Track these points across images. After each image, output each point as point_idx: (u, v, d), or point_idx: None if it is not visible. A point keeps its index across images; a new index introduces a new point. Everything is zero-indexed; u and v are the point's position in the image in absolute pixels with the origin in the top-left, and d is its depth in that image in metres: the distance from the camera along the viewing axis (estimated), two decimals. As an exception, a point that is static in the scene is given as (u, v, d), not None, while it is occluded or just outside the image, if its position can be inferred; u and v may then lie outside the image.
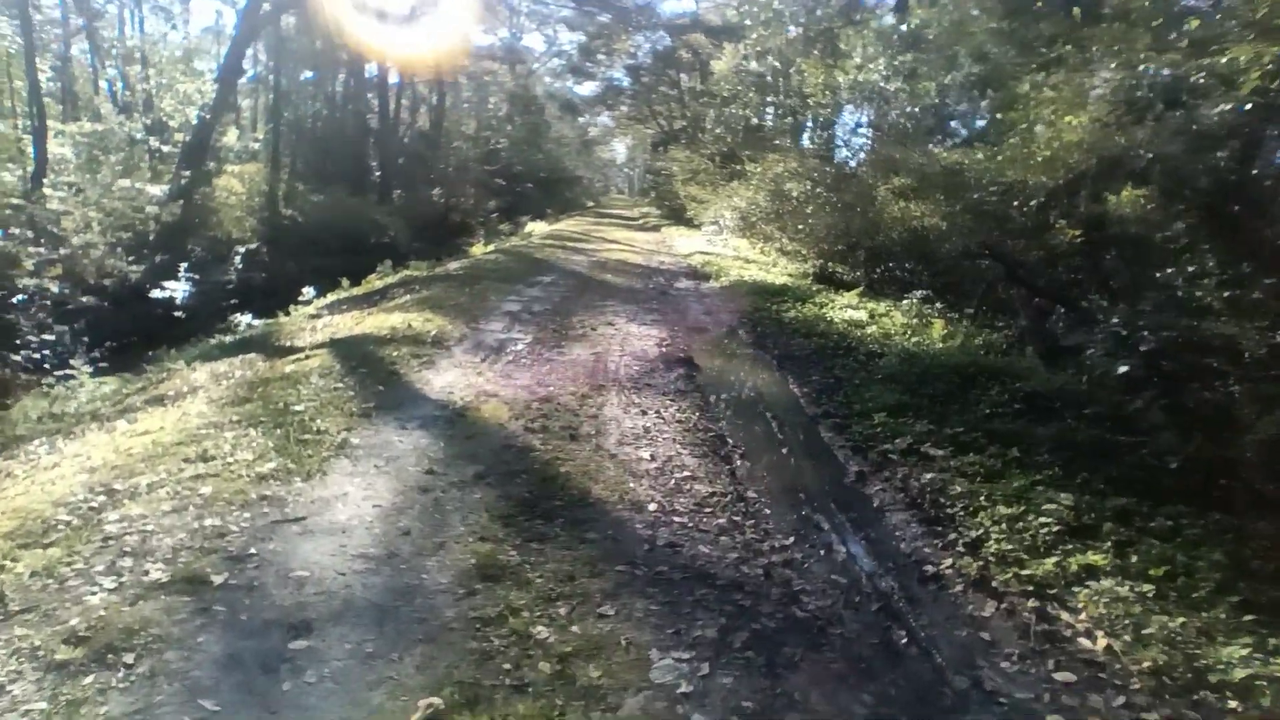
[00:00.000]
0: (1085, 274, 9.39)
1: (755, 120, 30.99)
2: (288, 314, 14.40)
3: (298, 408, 6.39)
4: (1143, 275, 8.78)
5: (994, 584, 4.12)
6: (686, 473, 5.56)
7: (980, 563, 4.32)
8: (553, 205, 47.50)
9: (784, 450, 6.29)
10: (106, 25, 37.32)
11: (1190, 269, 7.59)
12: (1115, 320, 6.05)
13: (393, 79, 43.01)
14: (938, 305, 11.73)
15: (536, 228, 34.51)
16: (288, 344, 9.81)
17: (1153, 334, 5.55)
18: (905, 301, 12.12)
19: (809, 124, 30.48)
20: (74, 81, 34.35)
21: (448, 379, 7.58)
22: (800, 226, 18.66)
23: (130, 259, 19.20)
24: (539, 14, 52.41)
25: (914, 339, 9.95)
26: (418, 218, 38.18)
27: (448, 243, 34.95)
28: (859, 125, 22.62)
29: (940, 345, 9.59)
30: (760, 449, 6.31)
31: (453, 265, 17.76)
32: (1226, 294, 6.80)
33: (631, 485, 5.25)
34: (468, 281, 14.15)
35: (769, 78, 30.18)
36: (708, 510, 4.96)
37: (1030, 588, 4.03)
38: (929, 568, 4.38)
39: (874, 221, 14.36)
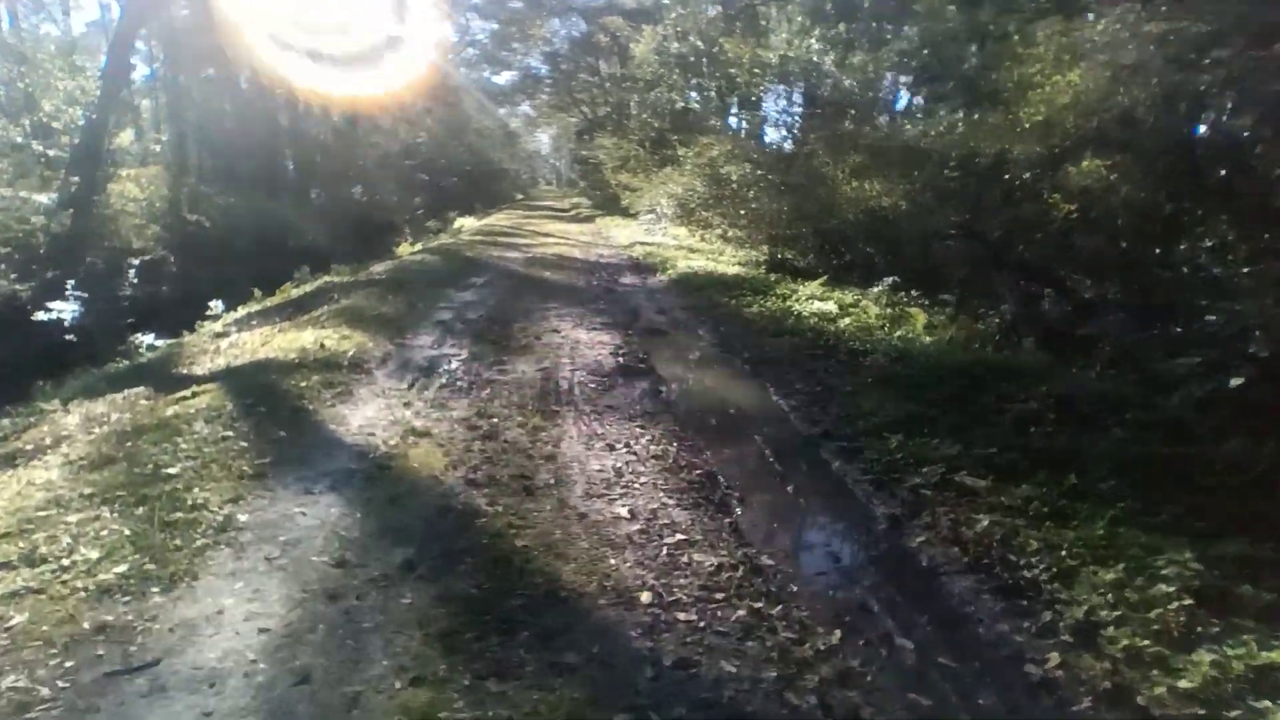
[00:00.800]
0: (1075, 252, 8.36)
1: (682, 104, 29.74)
2: (194, 331, 12.78)
3: (172, 470, 4.92)
4: (1145, 251, 7.79)
5: (1140, 700, 2.93)
6: (679, 534, 4.28)
7: (1105, 663, 3.13)
8: (480, 199, 45.74)
9: (789, 489, 5.05)
10: (-12, 26, 34.29)
11: (1209, 243, 6.57)
12: (1214, 319, 4.91)
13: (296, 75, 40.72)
14: (911, 293, 10.67)
15: (465, 223, 32.85)
16: (184, 371, 8.24)
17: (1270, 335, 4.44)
18: (874, 289, 11.05)
19: (735, 106, 29.45)
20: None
21: (367, 414, 6.17)
22: (742, 212, 17.53)
23: (13, 276, 17.12)
24: (449, 1, 50.26)
25: (896, 333, 8.83)
26: (339, 219, 36.15)
27: (374, 243, 33.07)
28: (791, 103, 21.44)
29: (928, 339, 8.51)
30: (760, 489, 5.06)
31: (377, 268, 16.14)
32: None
33: (613, 561, 3.95)
34: (393, 287, 12.64)
35: (692, 58, 28.92)
36: (719, 596, 3.68)
37: (1199, 712, 2.85)
38: (1032, 669, 3.18)
39: (827, 204, 13.26)
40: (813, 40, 16.46)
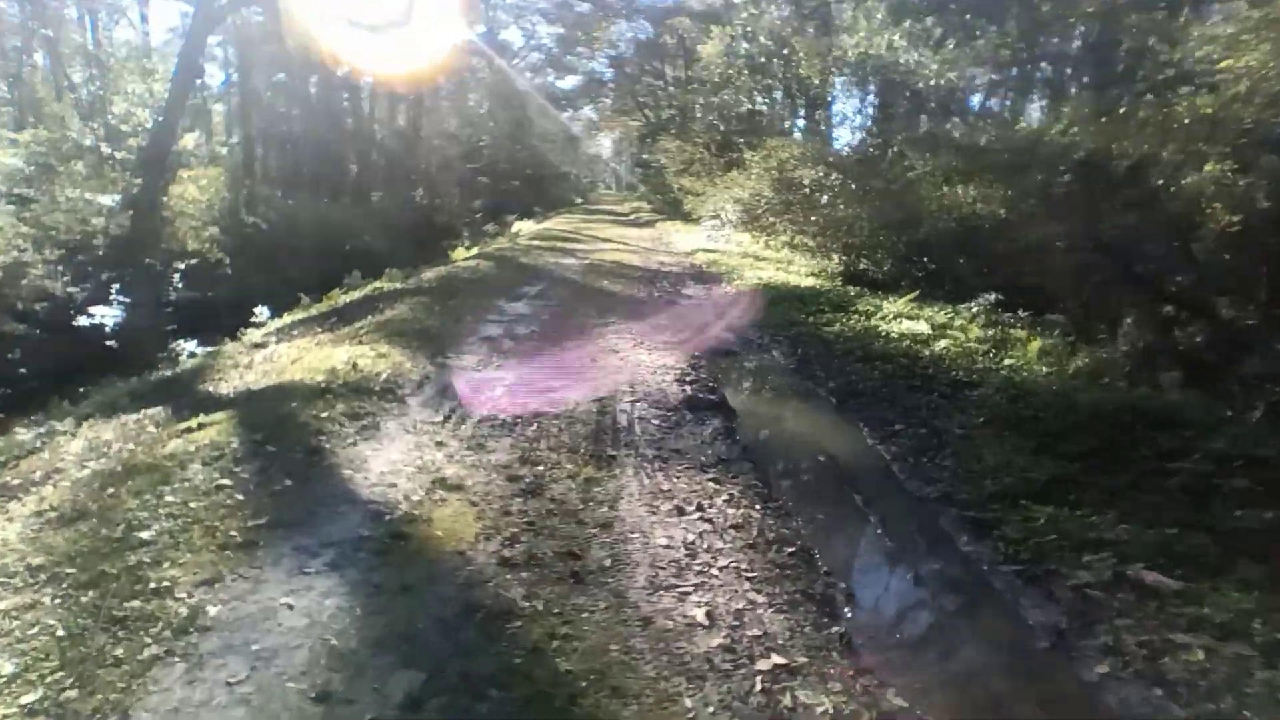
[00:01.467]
0: (1231, 270, 7.03)
1: (749, 106, 28.53)
2: (237, 338, 12.09)
3: (146, 534, 3.97)
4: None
5: None
6: (775, 656, 3.16)
7: None
8: (540, 203, 45.02)
9: (909, 578, 3.92)
10: (72, 30, 34.67)
11: None
12: None
13: (367, 78, 40.52)
14: (1015, 313, 9.39)
15: (524, 227, 32.09)
16: (209, 389, 7.39)
17: None
18: (968, 307, 9.79)
19: (805, 108, 28.17)
20: (34, 90, 31.75)
21: (392, 456, 5.17)
22: (814, 218, 16.29)
23: (66, 278, 16.69)
24: (516, 7, 49.85)
25: (1005, 361, 7.58)
26: (398, 220, 35.71)
27: (431, 246, 32.52)
28: (868, 104, 20.05)
29: (1044, 370, 7.24)
30: (871, 578, 3.96)
31: (429, 274, 15.29)
32: None
33: (689, 703, 2.87)
34: (442, 295, 11.75)
35: (761, 59, 27.68)
36: (842, 774, 2.58)
37: None
38: None
39: (912, 211, 11.99)
40: (897, 35, 15.12)
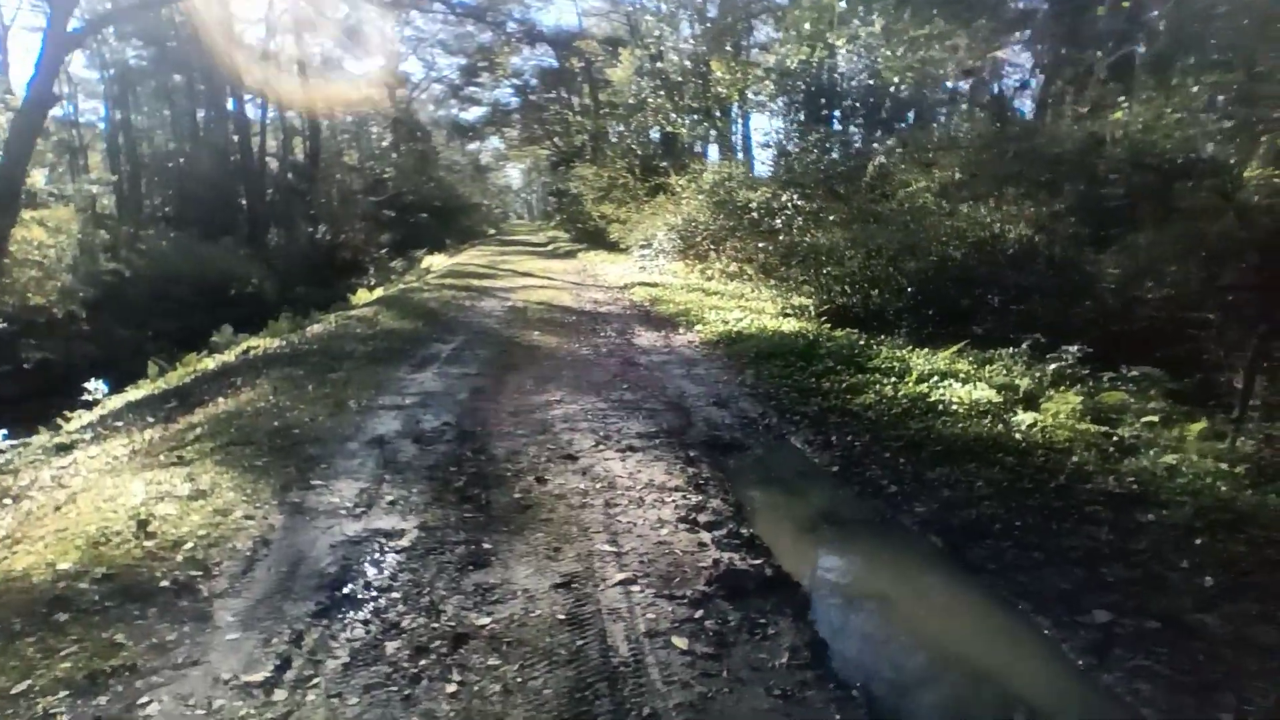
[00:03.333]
0: None
1: (668, 128, 25.95)
2: (53, 425, 8.81)
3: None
4: None
5: None
6: None
7: None
8: (451, 235, 41.68)
9: None
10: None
11: None
12: None
13: (257, 112, 36.64)
14: (1080, 365, 6.86)
15: (434, 262, 28.79)
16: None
17: None
18: (1015, 355, 7.24)
19: (738, 125, 25.82)
20: None
21: None
22: (766, 246, 13.67)
23: None
24: (413, 39, 46.50)
25: (1154, 454, 4.94)
26: (296, 260, 31.97)
27: (335, 285, 28.96)
28: (793, 115, 17.38)
29: (1234, 472, 4.62)
30: None
31: (316, 328, 12.04)
32: None
33: None
34: (324, 361, 8.61)
35: (678, 79, 25.17)
36: None
37: None
38: None
39: (912, 234, 9.40)
40: (873, 26, 12.55)
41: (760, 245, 15.09)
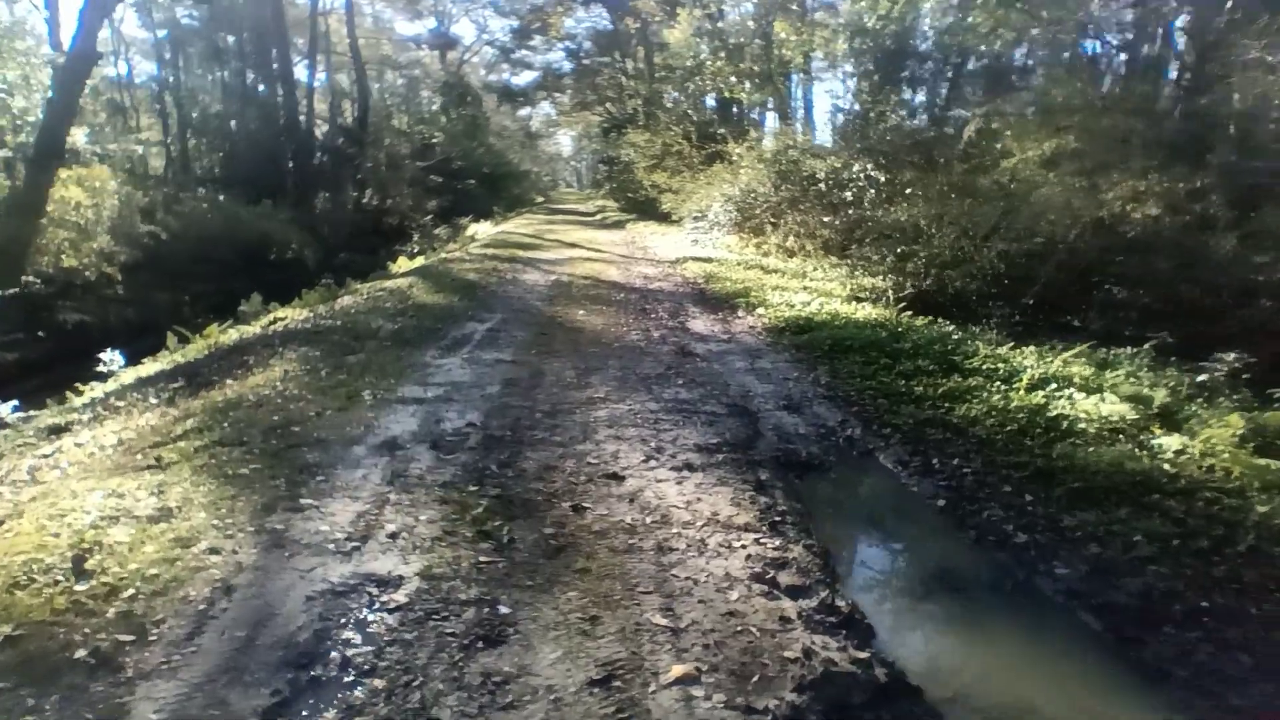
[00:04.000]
0: None
1: (727, 93, 24.66)
2: (77, 393, 8.22)
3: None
4: None
5: None
6: None
7: None
8: (499, 203, 40.86)
9: None
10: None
11: None
12: None
13: (306, 75, 36.06)
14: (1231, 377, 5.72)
15: (480, 230, 27.98)
16: None
17: None
18: (1135, 358, 6.12)
19: (799, 90, 24.45)
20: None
21: None
22: (834, 221, 12.50)
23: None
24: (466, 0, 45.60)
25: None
26: (341, 225, 31.45)
27: (379, 251, 28.39)
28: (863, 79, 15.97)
29: None
30: None
31: (347, 299, 11.25)
32: None
33: None
34: (346, 340, 7.78)
35: (741, 40, 23.82)
36: None
37: None
38: None
39: (1013, 213, 8.22)
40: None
41: (825, 220, 13.94)
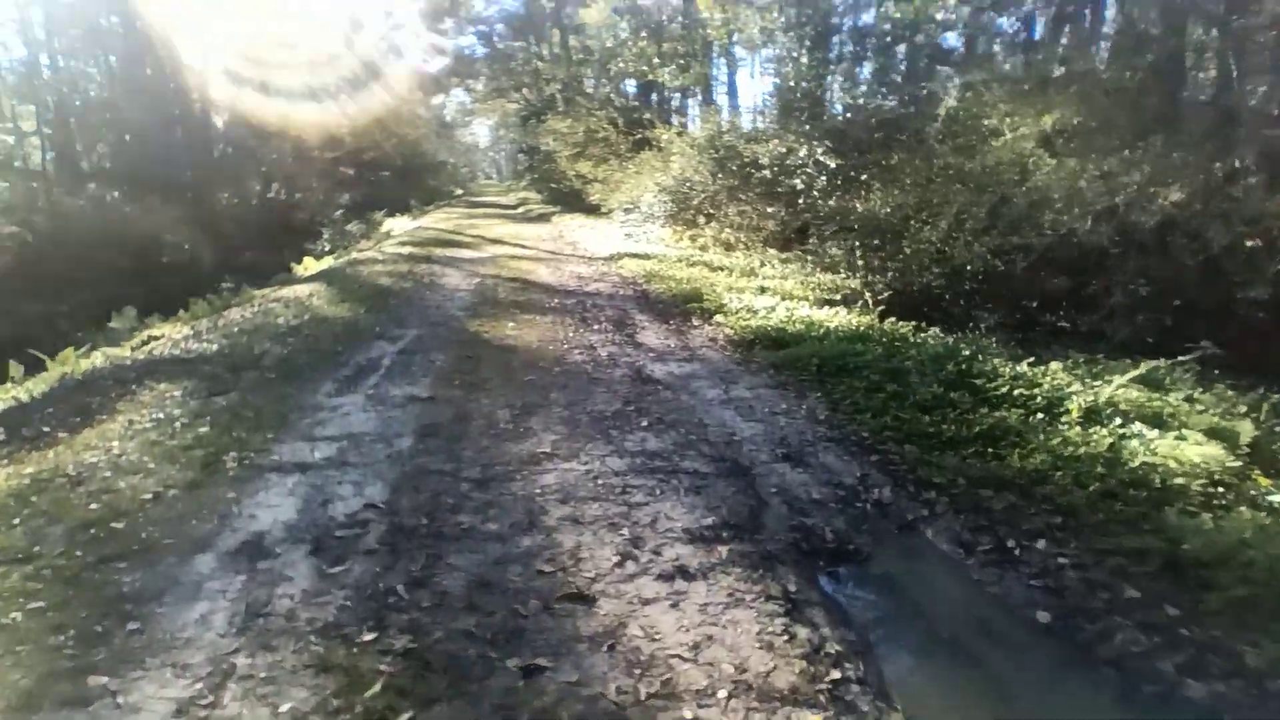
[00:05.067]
0: None
1: (651, 76, 23.26)
2: None
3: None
4: None
5: None
6: None
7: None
8: (415, 195, 38.68)
9: None
10: None
11: None
12: None
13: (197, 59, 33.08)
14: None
15: (395, 225, 26.06)
16: None
17: None
18: (1166, 369, 5.03)
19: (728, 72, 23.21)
20: None
21: None
22: (773, 210, 11.27)
23: None
24: (370, -20, 42.91)
25: None
26: (245, 222, 29.03)
27: (289, 247, 26.16)
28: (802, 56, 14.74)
29: None
30: None
31: (237, 313, 9.50)
32: None
33: None
34: (221, 374, 6.16)
35: (660, 18, 22.45)
36: None
37: None
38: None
39: (1005, 202, 7.05)
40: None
41: (769, 210, 12.71)
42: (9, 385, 8.00)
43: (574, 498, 3.87)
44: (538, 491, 3.94)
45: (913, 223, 7.91)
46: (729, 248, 14.01)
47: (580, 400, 5.44)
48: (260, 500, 3.82)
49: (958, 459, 4.24)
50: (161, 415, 5.11)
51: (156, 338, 8.96)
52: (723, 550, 3.37)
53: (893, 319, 7.31)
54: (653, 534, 3.51)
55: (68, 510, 3.71)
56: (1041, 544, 3.44)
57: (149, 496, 3.85)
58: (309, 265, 16.06)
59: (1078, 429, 4.48)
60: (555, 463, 4.32)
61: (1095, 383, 5.21)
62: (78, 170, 30.09)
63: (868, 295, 7.70)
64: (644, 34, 22.36)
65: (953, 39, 14.02)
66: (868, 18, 14.14)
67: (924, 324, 7.23)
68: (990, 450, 4.32)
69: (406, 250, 15.86)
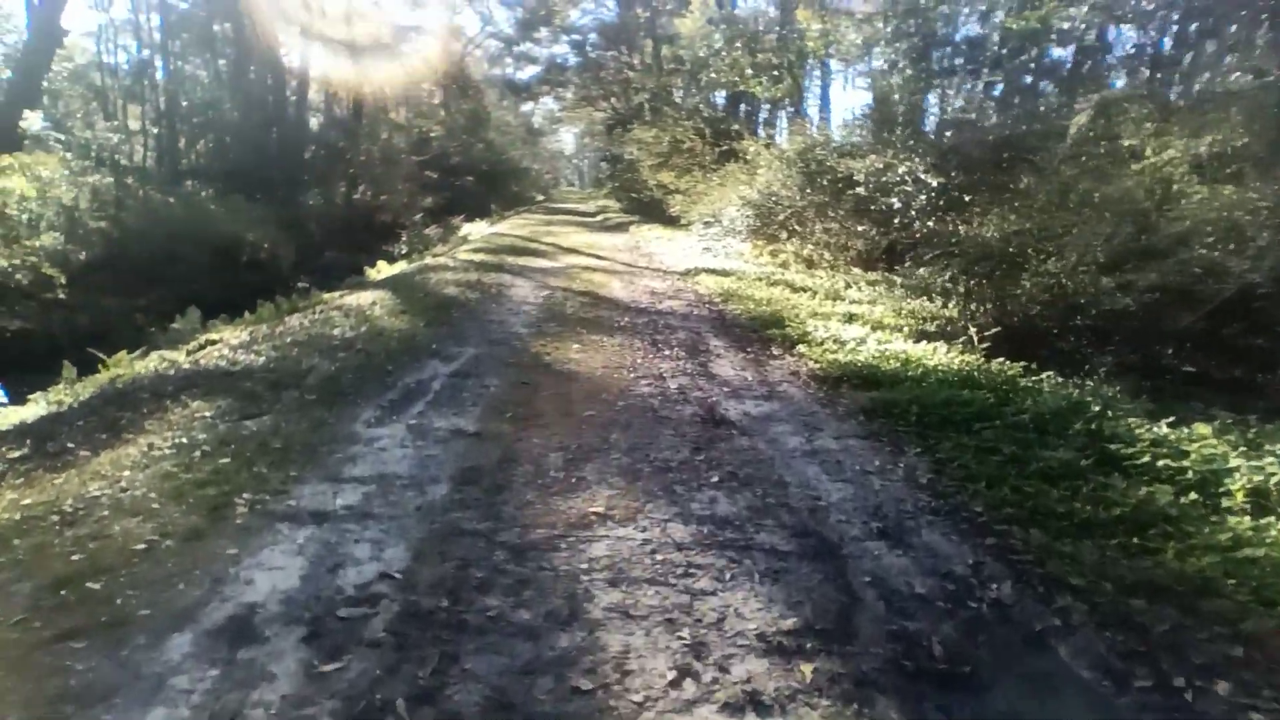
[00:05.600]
0: None
1: (743, 86, 22.50)
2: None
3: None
4: None
5: None
6: None
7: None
8: (497, 200, 38.77)
9: None
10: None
11: None
12: None
13: (297, 62, 33.73)
14: None
15: (473, 230, 25.89)
16: None
17: None
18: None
19: (811, 84, 22.35)
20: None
21: None
22: (863, 229, 10.44)
23: None
24: (469, -11, 43.49)
25: None
26: (332, 221, 29.38)
27: (374, 248, 26.34)
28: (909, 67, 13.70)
29: None
30: None
31: (295, 320, 9.16)
32: None
33: None
34: (260, 391, 5.71)
35: (759, 28, 21.71)
36: None
37: None
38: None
39: (1157, 233, 6.12)
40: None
41: (860, 229, 11.86)
42: (60, 387, 7.78)
43: (626, 578, 3.21)
44: (584, 567, 3.29)
45: (1030, 251, 7.01)
46: (810, 265, 13.21)
47: (643, 444, 4.78)
48: (263, 559, 3.27)
49: (1097, 551, 3.42)
50: (185, 440, 4.64)
51: (214, 341, 8.67)
52: (806, 670, 2.67)
53: (999, 358, 6.45)
54: (719, 639, 2.82)
55: (46, 561, 3.22)
56: (1222, 687, 2.63)
57: (141, 547, 3.34)
58: (382, 269, 15.85)
59: (1247, 519, 3.61)
60: (608, 527, 3.66)
61: (1256, 454, 4.30)
62: (176, 168, 31.04)
63: (971, 329, 6.83)
64: (738, 44, 21.63)
65: (1058, 52, 12.97)
66: (975, 28, 13.09)
67: (1033, 364, 6.36)
68: (1137, 541, 3.49)
69: (479, 257, 15.49)
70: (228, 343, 8.26)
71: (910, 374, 6.01)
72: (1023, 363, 6.38)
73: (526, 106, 55.45)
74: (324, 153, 33.86)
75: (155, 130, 33.91)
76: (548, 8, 40.22)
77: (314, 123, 36.66)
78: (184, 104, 34.10)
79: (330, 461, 4.37)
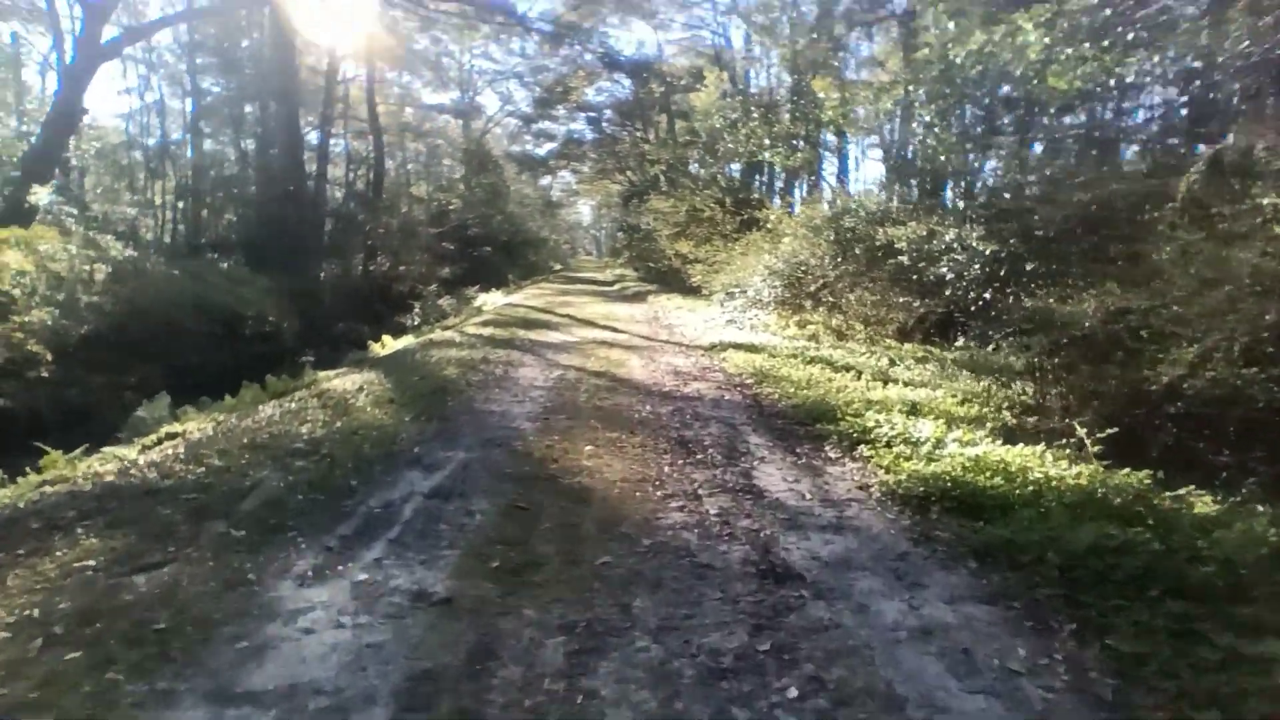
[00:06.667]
0: None
1: (762, 155, 21.41)
2: None
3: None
4: None
5: None
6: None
7: None
8: (516, 270, 37.87)
9: None
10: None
11: None
12: None
13: (315, 136, 33.22)
14: None
15: (488, 300, 24.70)
16: None
17: None
18: None
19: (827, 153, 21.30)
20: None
21: None
22: (905, 299, 9.04)
23: None
24: (492, 72, 43.37)
25: None
26: (346, 292, 28.43)
27: (389, 319, 25.22)
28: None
29: None
30: None
31: (269, 409, 7.76)
32: None
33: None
34: (180, 518, 4.26)
35: (775, 97, 20.69)
36: None
37: None
38: None
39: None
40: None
41: (903, 300, 10.45)
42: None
43: None
44: None
45: (1145, 335, 5.54)
46: (841, 336, 11.82)
47: (680, 619, 3.26)
48: None
49: None
50: (37, 613, 3.18)
51: (173, 436, 7.26)
52: None
53: (1104, 461, 4.94)
54: None
55: None
56: None
57: None
58: (387, 343, 14.56)
59: None
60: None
61: None
62: (197, 241, 30.34)
63: (1079, 429, 5.30)
64: (754, 115, 20.63)
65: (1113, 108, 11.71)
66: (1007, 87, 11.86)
67: (1157, 473, 4.82)
68: None
69: (488, 331, 14.15)
70: (186, 438, 6.87)
71: (1019, 493, 4.48)
72: (1143, 471, 4.85)
73: (545, 179, 55.20)
74: (342, 225, 33.13)
75: (180, 204, 33.52)
76: (565, 86, 39.83)
77: (337, 194, 36.07)
78: (208, 180, 33.74)
79: (227, 658, 2.88)
